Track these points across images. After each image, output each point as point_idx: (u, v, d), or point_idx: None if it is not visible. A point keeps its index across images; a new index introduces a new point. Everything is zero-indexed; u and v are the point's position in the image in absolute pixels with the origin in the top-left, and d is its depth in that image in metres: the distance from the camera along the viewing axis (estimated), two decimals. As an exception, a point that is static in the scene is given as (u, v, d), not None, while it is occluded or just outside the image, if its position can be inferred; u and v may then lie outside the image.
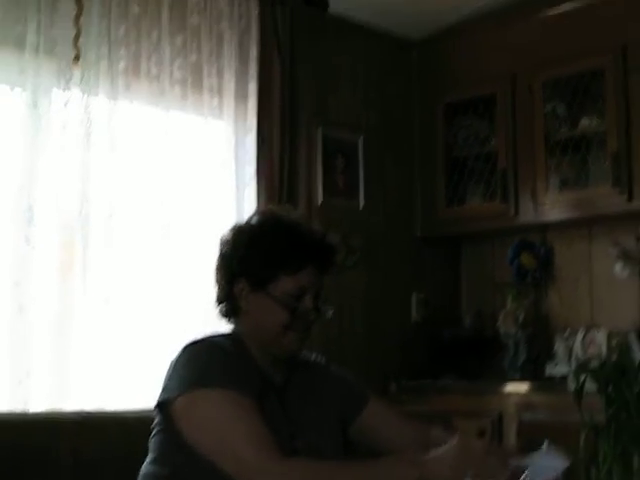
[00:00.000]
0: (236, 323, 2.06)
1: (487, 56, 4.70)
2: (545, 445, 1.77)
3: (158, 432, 1.97)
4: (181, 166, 3.84)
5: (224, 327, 2.12)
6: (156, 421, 1.99)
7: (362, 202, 4.67)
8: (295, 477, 1.80)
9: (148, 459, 1.99)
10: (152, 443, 1.99)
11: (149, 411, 2.72)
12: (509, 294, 4.66)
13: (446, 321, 4.96)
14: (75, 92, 3.50)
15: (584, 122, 4.40)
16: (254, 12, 4.12)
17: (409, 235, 4.92)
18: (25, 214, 3.32)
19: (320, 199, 4.46)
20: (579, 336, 4.38)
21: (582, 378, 1.83)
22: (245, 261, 2.00)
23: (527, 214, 4.50)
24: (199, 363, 1.91)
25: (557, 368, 4.41)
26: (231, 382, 1.88)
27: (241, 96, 4.06)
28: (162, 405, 1.93)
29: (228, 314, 2.06)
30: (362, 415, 2.15)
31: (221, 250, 2.06)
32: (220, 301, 2.06)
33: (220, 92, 3.96)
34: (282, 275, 1.97)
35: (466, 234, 4.94)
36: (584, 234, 4.59)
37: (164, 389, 1.94)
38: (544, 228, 4.67)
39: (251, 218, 2.09)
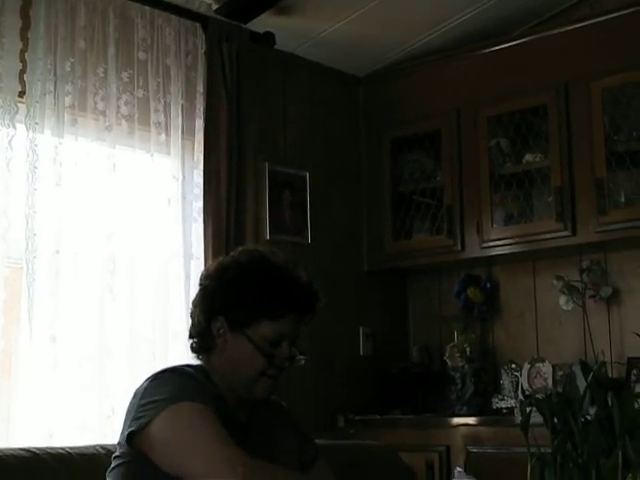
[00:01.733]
0: (206, 360, 2.05)
1: (432, 92, 4.77)
2: (456, 472, 1.79)
3: (121, 464, 1.95)
4: (128, 202, 3.82)
5: (171, 363, 2.11)
6: (119, 453, 1.96)
7: (309, 237, 4.69)
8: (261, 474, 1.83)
9: None
10: (112, 475, 1.96)
11: (95, 447, 2.71)
12: (456, 328, 4.69)
13: (394, 355, 4.97)
14: (20, 128, 3.47)
15: (528, 157, 4.48)
16: (201, 49, 4.13)
17: (356, 269, 4.94)
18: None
19: (267, 234, 4.46)
20: (525, 369, 4.43)
21: (528, 410, 1.86)
22: (227, 299, 1.98)
23: (473, 248, 4.55)
24: (170, 385, 1.90)
25: (503, 401, 4.45)
26: (204, 399, 1.88)
27: (188, 132, 4.07)
28: (131, 435, 1.90)
29: (200, 350, 2.05)
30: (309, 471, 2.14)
31: (202, 284, 2.04)
32: (193, 336, 2.05)
33: (167, 128, 3.96)
34: (264, 320, 1.96)
35: (413, 268, 4.97)
36: (529, 268, 4.65)
37: (134, 419, 1.90)
38: (490, 262, 4.72)
39: (237, 255, 2.05)
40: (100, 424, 3.52)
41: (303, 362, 2.06)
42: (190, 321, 2.07)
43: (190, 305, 2.08)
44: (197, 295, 2.05)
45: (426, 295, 5.07)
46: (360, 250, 4.96)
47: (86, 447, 2.78)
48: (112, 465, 1.97)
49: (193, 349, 2.06)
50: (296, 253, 4.59)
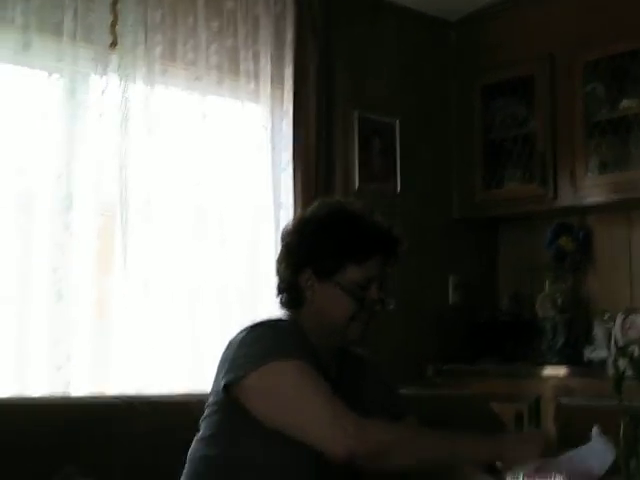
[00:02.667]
0: (297, 313, 2.06)
1: (525, 36, 4.66)
2: (595, 432, 1.76)
3: (215, 412, 1.98)
4: (218, 150, 3.84)
5: (261, 310, 2.13)
6: (213, 401, 1.99)
7: (399, 186, 4.65)
8: (373, 432, 1.83)
9: (199, 439, 2.00)
10: (206, 423, 2.00)
11: (188, 395, 2.77)
12: (547, 277, 4.63)
13: (483, 304, 4.94)
14: (112, 78, 3.51)
15: (625, 103, 4.35)
16: (289, -4, 4.10)
17: (446, 218, 4.90)
18: (64, 201, 3.34)
19: (356, 184, 4.45)
20: (618, 320, 4.34)
21: (621, 365, 1.82)
22: (312, 251, 2.00)
23: (566, 197, 4.46)
24: (267, 340, 1.92)
25: (596, 352, 4.38)
26: (301, 355, 1.90)
27: (277, 80, 4.06)
28: (227, 385, 1.93)
29: (290, 305, 2.07)
30: None
31: (285, 241, 2.07)
32: (282, 291, 2.07)
33: (256, 77, 3.96)
34: (350, 265, 1.98)
35: (504, 217, 4.91)
36: (623, 217, 4.54)
37: (229, 370, 1.93)
38: (583, 211, 4.62)
39: (315, 208, 2.08)
40: (192, 371, 3.59)
41: (392, 305, 2.07)
42: (277, 278, 2.08)
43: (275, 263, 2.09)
44: (280, 252, 2.08)
45: (517, 244, 5.00)
46: (450, 198, 4.92)
47: (177, 395, 2.85)
48: (206, 413, 2.01)
49: (283, 304, 2.07)
50: (385, 201, 4.58)
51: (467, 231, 4.97)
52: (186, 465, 2.00)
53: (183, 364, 3.60)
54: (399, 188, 4.66)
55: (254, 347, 1.91)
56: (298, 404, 1.85)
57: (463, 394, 3.60)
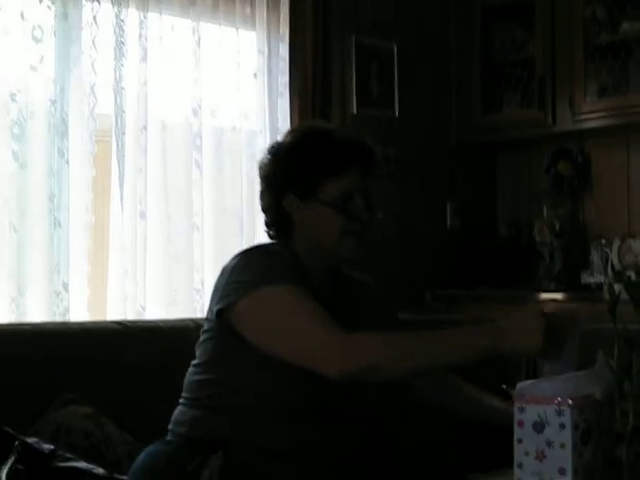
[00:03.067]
0: (288, 241, 2.07)
1: (525, -42, 4.58)
2: (600, 356, 1.76)
3: (210, 338, 1.99)
4: (214, 77, 3.81)
5: (259, 236, 2.14)
6: (207, 327, 2.01)
7: (397, 111, 4.62)
8: (368, 343, 1.82)
9: (194, 364, 2.02)
10: (201, 348, 2.01)
11: (187, 320, 2.79)
12: (545, 203, 4.62)
13: (481, 230, 4.94)
14: (105, 4, 3.46)
15: (625, 26, 4.29)
16: None
17: (444, 143, 4.87)
18: (58, 127, 3.32)
19: (354, 108, 4.41)
20: (615, 245, 4.36)
21: (617, 290, 1.82)
22: (290, 174, 2.01)
23: (564, 122, 4.43)
24: (259, 266, 1.93)
25: (592, 277, 4.39)
26: (293, 279, 1.90)
27: (273, 5, 4.00)
28: (220, 311, 1.94)
29: (280, 234, 2.07)
30: None
31: (262, 173, 2.07)
32: (270, 224, 2.07)
33: (252, 1, 3.90)
34: (328, 179, 1.98)
35: (502, 142, 4.88)
36: (622, 142, 4.52)
37: (223, 296, 1.94)
38: (582, 136, 4.59)
39: (285, 136, 2.10)
40: (189, 298, 3.61)
41: (381, 214, 2.08)
42: (263, 212, 2.09)
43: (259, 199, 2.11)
44: (261, 186, 2.09)
45: (515, 170, 4.99)
46: (449, 124, 4.88)
47: (176, 320, 2.87)
48: (201, 339, 2.02)
49: (273, 237, 2.08)
50: (383, 127, 4.56)
51: (465, 157, 4.95)
52: (183, 390, 2.02)
53: (181, 291, 3.61)
54: (397, 113, 4.62)
55: (246, 272, 1.92)
56: (289, 327, 1.86)
57: (460, 319, 3.62)
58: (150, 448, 1.99)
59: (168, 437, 1.98)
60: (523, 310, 1.78)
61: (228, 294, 1.92)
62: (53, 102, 3.32)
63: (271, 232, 2.08)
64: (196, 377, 1.99)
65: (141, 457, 1.99)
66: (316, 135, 2.04)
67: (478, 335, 1.78)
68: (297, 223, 2.03)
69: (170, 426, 1.99)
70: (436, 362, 1.81)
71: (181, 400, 2.00)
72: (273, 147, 2.09)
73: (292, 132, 2.11)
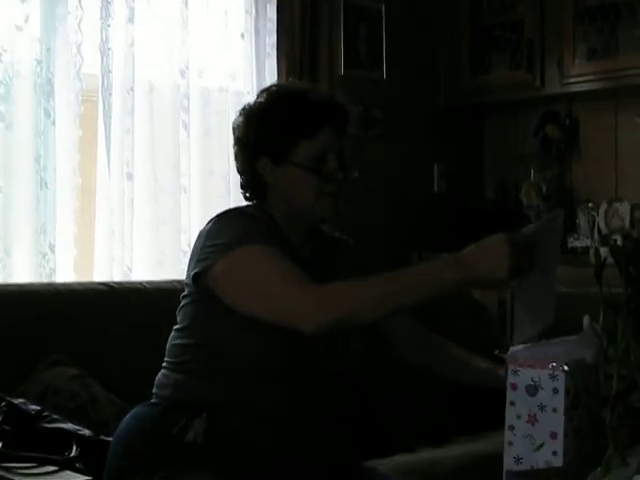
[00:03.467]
0: (264, 203, 2.05)
1: None
2: (586, 321, 1.76)
3: (189, 303, 1.99)
4: (201, 37, 3.77)
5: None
6: (187, 292, 2.00)
7: (385, 73, 4.60)
8: (336, 294, 1.81)
9: (176, 329, 2.02)
10: (182, 313, 2.01)
11: (171, 282, 2.79)
12: (532, 166, 4.62)
13: (468, 193, 4.94)
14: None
15: (615, -12, 4.27)
16: None
17: (432, 106, 4.85)
18: (44, 87, 3.29)
19: (342, 70, 4.38)
20: (602, 208, 4.37)
21: (603, 257, 1.82)
22: (262, 137, 1.99)
23: (553, 84, 4.42)
24: (233, 228, 1.92)
25: (579, 241, 4.41)
26: (266, 240, 1.90)
27: (261, -37, 3.96)
28: (197, 275, 1.93)
29: (255, 196, 2.06)
30: None
31: (235, 135, 2.05)
32: (246, 186, 2.06)
33: (240, -41, 3.87)
34: (300, 140, 1.96)
35: (490, 104, 4.86)
36: (611, 105, 4.51)
37: (199, 260, 1.93)
38: (570, 99, 4.59)
39: (257, 98, 2.07)
40: (176, 259, 3.60)
41: (357, 174, 2.08)
42: (239, 175, 2.08)
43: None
44: (234, 150, 2.06)
45: (503, 132, 4.98)
46: (436, 86, 4.86)
47: (162, 281, 2.87)
48: (181, 304, 2.02)
49: (249, 199, 2.07)
50: (371, 88, 4.53)
51: (453, 119, 4.94)
52: (165, 354, 2.02)
53: (167, 253, 3.61)
54: (385, 75, 4.60)
55: (221, 235, 1.91)
56: (264, 286, 1.85)
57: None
58: (135, 410, 2.00)
59: (153, 399, 1.99)
60: (485, 239, 1.73)
61: (204, 258, 1.91)
62: (39, 62, 3.28)
63: (247, 194, 2.07)
64: (177, 341, 1.99)
65: (126, 419, 1.99)
66: (287, 96, 2.02)
67: (444, 269, 1.75)
68: (272, 185, 2.01)
69: (154, 389, 1.99)
70: (407, 300, 1.77)
71: (164, 364, 2.00)
72: (245, 108, 2.06)
73: (263, 93, 2.06)
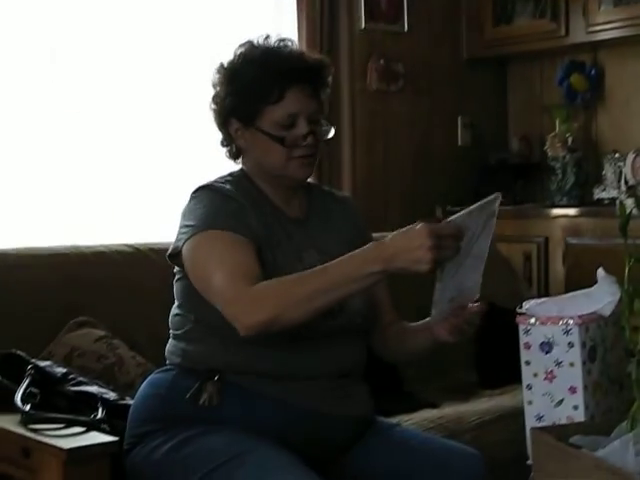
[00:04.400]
0: (243, 163, 2.04)
1: None
2: (600, 273, 1.74)
3: (179, 279, 2.00)
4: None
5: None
6: (175, 268, 2.01)
7: (406, 25, 4.54)
8: (265, 296, 1.78)
9: (175, 304, 2.03)
10: (175, 289, 2.02)
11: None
12: (557, 116, 4.56)
13: (493, 145, 4.90)
14: None
15: None
16: None
17: (454, 57, 4.80)
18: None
19: (362, 23, 4.34)
20: (629, 159, 4.31)
21: (629, 205, 1.80)
22: (229, 100, 1.96)
23: (578, 33, 4.36)
24: (201, 209, 1.90)
25: (605, 192, 4.37)
26: (227, 224, 1.87)
27: None
28: (171, 256, 1.96)
29: (233, 156, 2.05)
30: None
31: (211, 98, 2.02)
32: (223, 144, 2.04)
33: None
34: (265, 106, 1.92)
35: (513, 55, 4.80)
36: (637, 53, 4.43)
37: (175, 241, 1.95)
38: (595, 47, 4.52)
39: (232, 54, 2.00)
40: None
41: (331, 133, 2.00)
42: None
43: None
44: (210, 109, 2.02)
45: (527, 83, 4.92)
46: (459, 37, 4.80)
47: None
48: (174, 278, 2.03)
49: (228, 157, 2.05)
50: (392, 42, 4.49)
51: (476, 70, 4.88)
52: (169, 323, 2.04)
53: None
54: (406, 28, 4.54)
55: (191, 217, 1.91)
56: (210, 278, 1.84)
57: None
58: (151, 377, 2.02)
59: (167, 366, 2.00)
60: (406, 228, 1.69)
61: (176, 239, 1.94)
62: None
63: (226, 153, 2.05)
64: (176, 312, 2.01)
65: (143, 386, 2.01)
66: (252, 59, 1.95)
67: (365, 262, 1.71)
68: (244, 149, 2.00)
69: (166, 354, 2.01)
70: (333, 297, 1.75)
71: (170, 333, 2.02)
72: (218, 68, 2.01)
73: (238, 49, 2.00)
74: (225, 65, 2.00)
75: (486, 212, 1.72)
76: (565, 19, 4.38)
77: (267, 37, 2.00)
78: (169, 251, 1.95)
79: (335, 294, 1.75)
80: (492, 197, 1.73)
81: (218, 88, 2.00)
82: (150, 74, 3.61)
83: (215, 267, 1.84)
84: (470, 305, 1.85)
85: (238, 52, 2.00)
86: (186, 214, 1.93)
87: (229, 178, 2.00)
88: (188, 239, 1.89)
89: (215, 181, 1.99)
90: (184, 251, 1.90)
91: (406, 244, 1.67)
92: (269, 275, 1.83)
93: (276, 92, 1.92)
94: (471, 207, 1.70)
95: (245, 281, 1.80)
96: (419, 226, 1.66)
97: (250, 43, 2.00)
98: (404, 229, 1.70)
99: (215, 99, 2.00)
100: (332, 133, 2.01)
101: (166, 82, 3.65)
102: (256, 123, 1.94)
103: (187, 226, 1.91)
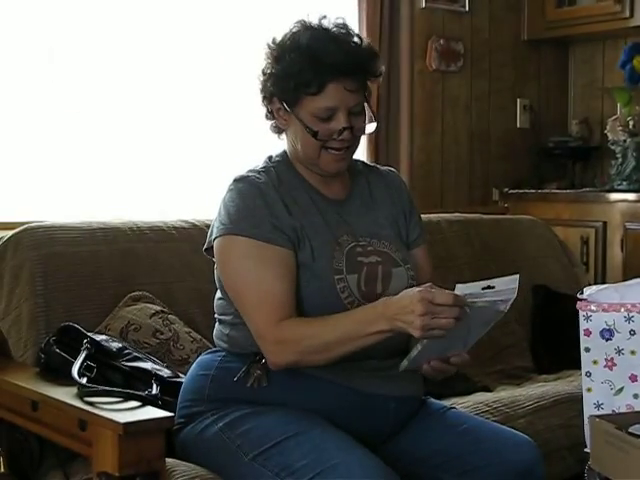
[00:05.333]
0: (285, 140, 2.03)
1: None
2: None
3: (216, 268, 2.00)
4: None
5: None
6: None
7: (467, 4, 4.50)
8: (286, 340, 1.81)
9: (217, 293, 2.03)
10: (216, 276, 2.01)
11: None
12: (619, 99, 4.48)
13: (552, 128, 4.85)
14: None
15: None
16: None
17: (515, 38, 4.75)
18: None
19: (423, 3, 4.30)
20: (692, 143, 4.23)
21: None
22: (274, 81, 1.94)
23: (643, 14, 4.28)
24: (233, 208, 1.90)
25: (667, 177, 4.29)
26: (257, 230, 1.87)
27: None
28: (207, 250, 1.98)
29: (276, 131, 2.03)
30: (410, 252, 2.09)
31: (263, 64, 1.99)
32: (267, 117, 2.02)
33: None
34: (305, 96, 1.89)
35: (575, 36, 4.74)
36: None
37: (209, 234, 1.97)
38: (660, 29, 4.44)
39: (286, 33, 1.96)
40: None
41: (372, 128, 1.98)
42: None
43: None
44: (258, 80, 1.99)
45: (589, 65, 4.85)
46: (520, 18, 4.74)
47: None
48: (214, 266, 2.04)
49: (272, 131, 2.04)
50: (452, 21, 4.45)
51: (537, 52, 4.83)
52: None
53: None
54: (467, 7, 4.50)
55: (223, 213, 1.92)
56: (237, 299, 1.90)
57: (525, 218, 3.57)
58: (200, 358, 2.03)
59: (216, 347, 2.02)
60: (405, 292, 1.71)
61: (210, 232, 1.96)
62: None
63: (270, 127, 2.03)
64: (219, 296, 2.02)
65: (193, 367, 2.02)
66: (298, 46, 1.90)
67: (372, 320, 1.74)
68: (284, 129, 1.99)
69: (214, 338, 2.02)
70: (348, 348, 1.78)
71: (215, 316, 2.03)
72: (270, 43, 1.97)
73: (290, 29, 1.95)
74: (276, 41, 1.96)
75: (501, 294, 1.66)
76: (630, 0, 4.30)
77: (323, 17, 1.96)
78: (205, 245, 1.97)
79: (349, 346, 1.79)
80: (511, 278, 1.66)
81: (266, 63, 1.97)
82: (161, 70, 3.59)
83: (244, 288, 1.87)
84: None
85: (290, 31, 1.95)
86: (221, 209, 1.94)
87: (267, 165, 2.00)
88: (217, 237, 1.91)
89: (252, 170, 1.98)
90: (215, 249, 1.92)
91: (403, 306, 1.69)
92: (309, 269, 1.87)
93: (315, 84, 1.88)
94: (488, 282, 1.64)
95: (272, 315, 1.83)
96: (414, 291, 1.68)
97: (303, 24, 1.95)
98: (410, 290, 1.72)
99: (263, 73, 1.97)
100: (372, 128, 1.99)
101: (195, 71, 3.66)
102: (295, 109, 1.92)
103: (220, 222, 1.92)
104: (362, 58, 1.94)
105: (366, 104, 1.97)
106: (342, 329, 1.79)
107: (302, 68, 1.88)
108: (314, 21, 1.95)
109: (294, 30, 1.95)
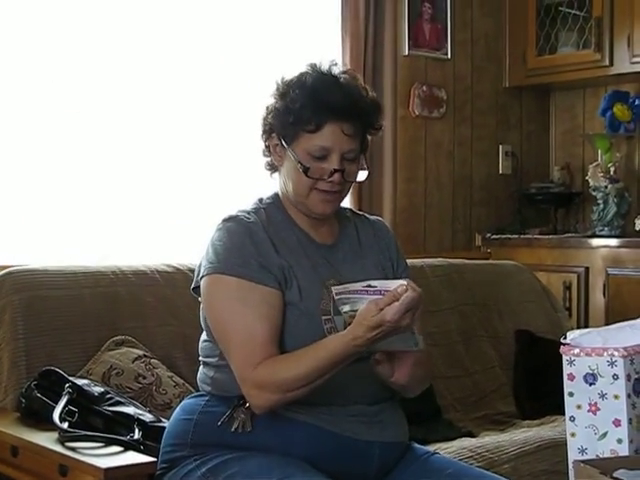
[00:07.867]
0: (279, 179, 2.04)
1: None
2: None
3: (202, 309, 2.00)
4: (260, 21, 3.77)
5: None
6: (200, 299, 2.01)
7: (449, 52, 4.55)
8: (265, 382, 1.81)
9: (203, 335, 2.03)
10: (201, 318, 2.01)
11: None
12: (600, 146, 4.54)
13: (534, 174, 4.89)
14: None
15: (688, -38, 4.16)
16: None
17: (497, 85, 4.79)
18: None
19: (406, 50, 4.35)
20: (672, 190, 4.27)
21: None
22: (274, 116, 1.97)
23: (622, 63, 4.34)
24: (221, 247, 1.91)
25: (648, 223, 4.32)
26: (244, 269, 1.87)
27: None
28: (197, 287, 1.98)
29: (269, 168, 2.05)
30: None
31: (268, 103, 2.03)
32: (264, 154, 2.04)
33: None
34: (303, 133, 1.92)
35: (556, 84, 4.79)
36: (682, 85, 4.41)
37: (196, 274, 1.97)
38: (639, 78, 4.49)
39: (299, 72, 2.00)
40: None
41: (364, 177, 2.00)
42: None
43: None
44: (261, 117, 2.03)
45: (570, 112, 4.90)
46: (502, 65, 4.80)
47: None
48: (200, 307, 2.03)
49: (266, 168, 2.05)
50: (435, 69, 4.49)
51: (519, 99, 4.88)
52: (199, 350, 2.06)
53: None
54: (449, 54, 4.55)
55: (211, 252, 1.92)
56: (221, 340, 1.90)
57: (508, 263, 3.59)
58: (184, 402, 2.02)
59: (199, 391, 2.00)
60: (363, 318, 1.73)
61: (197, 272, 1.96)
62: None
63: (265, 165, 2.04)
64: (205, 339, 2.02)
65: (176, 411, 2.01)
66: (303, 85, 1.94)
67: (350, 342, 1.75)
68: (279, 166, 2.00)
69: (198, 382, 2.01)
70: (325, 372, 1.79)
71: (200, 359, 2.02)
72: (278, 81, 2.01)
73: (300, 72, 1.99)
74: (283, 80, 2.00)
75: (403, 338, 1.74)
76: (610, 49, 4.37)
77: (334, 64, 1.99)
78: (193, 284, 1.97)
79: (327, 370, 1.79)
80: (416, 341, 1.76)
81: (271, 100, 2.00)
82: (146, 114, 3.58)
83: (227, 328, 1.87)
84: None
85: (299, 72, 1.99)
86: (209, 248, 1.94)
87: (257, 206, 2.01)
88: (204, 276, 1.91)
89: (242, 210, 1.99)
90: (202, 288, 1.93)
91: (360, 327, 1.73)
92: (297, 308, 1.88)
93: (314, 122, 1.90)
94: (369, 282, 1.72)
95: (251, 358, 1.82)
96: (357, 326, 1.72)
97: (313, 66, 1.99)
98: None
99: (266, 109, 2.01)
100: (363, 177, 2.00)
101: (200, 92, 3.69)
102: (291, 145, 1.94)
103: (208, 261, 1.92)
104: (364, 106, 1.97)
105: (362, 156, 1.99)
106: (322, 355, 1.79)
107: (303, 105, 1.91)
108: (324, 66, 1.99)
109: (303, 71, 1.99)
